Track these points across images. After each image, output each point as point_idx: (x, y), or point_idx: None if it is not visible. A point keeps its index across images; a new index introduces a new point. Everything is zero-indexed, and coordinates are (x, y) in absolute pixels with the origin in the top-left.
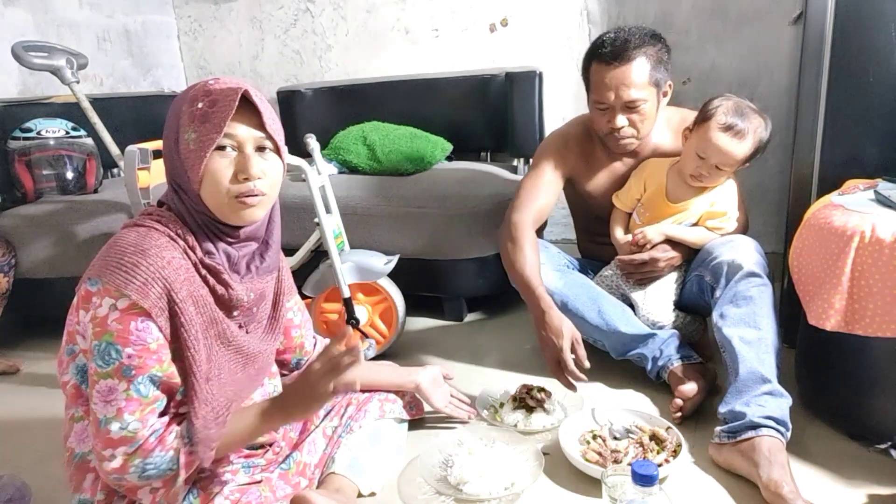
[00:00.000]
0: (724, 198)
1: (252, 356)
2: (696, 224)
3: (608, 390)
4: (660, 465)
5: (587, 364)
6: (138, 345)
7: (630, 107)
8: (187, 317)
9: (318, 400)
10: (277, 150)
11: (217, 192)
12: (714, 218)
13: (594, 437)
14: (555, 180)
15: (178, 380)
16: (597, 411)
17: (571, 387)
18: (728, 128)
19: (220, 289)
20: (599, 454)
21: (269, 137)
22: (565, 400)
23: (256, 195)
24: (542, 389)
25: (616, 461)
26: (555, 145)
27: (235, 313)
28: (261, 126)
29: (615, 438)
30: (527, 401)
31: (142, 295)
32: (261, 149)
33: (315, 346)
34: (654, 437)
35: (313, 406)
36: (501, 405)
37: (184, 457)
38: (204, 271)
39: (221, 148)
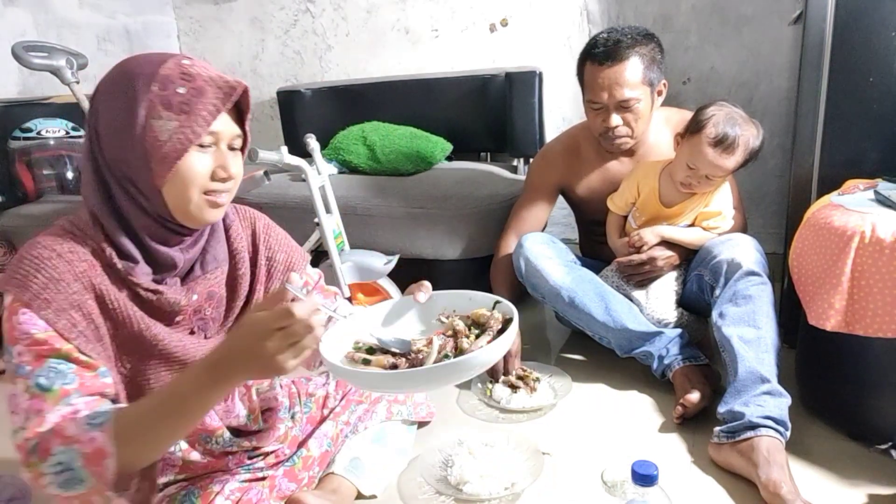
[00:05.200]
0: (717, 197)
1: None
2: (691, 224)
3: (611, 391)
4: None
5: (509, 376)
6: (24, 338)
7: (624, 106)
8: (83, 312)
9: (273, 373)
10: (242, 149)
11: (187, 191)
12: (709, 218)
13: (369, 352)
14: (540, 200)
15: (105, 372)
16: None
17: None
18: (718, 142)
19: (143, 293)
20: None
21: (244, 136)
22: (555, 384)
23: (225, 195)
24: (536, 379)
25: (413, 364)
26: (537, 166)
27: (178, 319)
28: (240, 123)
29: (385, 352)
30: (511, 381)
31: (21, 287)
32: (232, 147)
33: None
34: (474, 323)
35: (265, 376)
36: (495, 382)
37: (85, 445)
38: (116, 272)
39: (200, 143)
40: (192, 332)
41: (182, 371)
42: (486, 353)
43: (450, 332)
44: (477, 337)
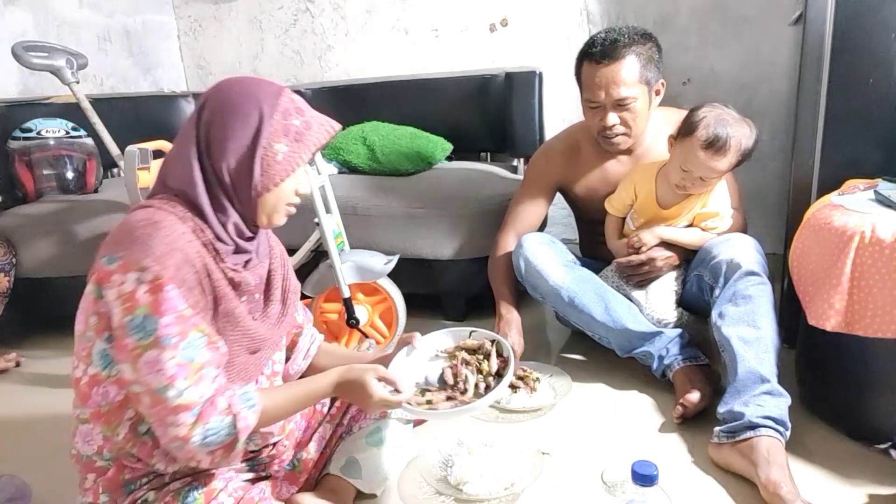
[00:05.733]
0: (714, 198)
1: (258, 341)
2: (690, 225)
3: (611, 391)
4: (500, 371)
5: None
6: (172, 313)
7: (621, 105)
8: (202, 288)
9: (369, 410)
10: None
11: (279, 202)
12: (707, 218)
13: (422, 393)
14: (539, 196)
15: (222, 346)
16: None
17: None
18: (710, 144)
19: (229, 272)
20: (448, 399)
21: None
22: (555, 384)
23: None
24: (536, 379)
25: (464, 391)
26: (536, 162)
27: (243, 299)
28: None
29: (433, 389)
30: (511, 381)
31: (162, 265)
32: None
33: (312, 342)
34: (468, 350)
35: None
36: None
37: (241, 421)
38: (214, 252)
39: None
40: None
41: (314, 378)
42: (511, 374)
43: (460, 361)
44: (486, 358)
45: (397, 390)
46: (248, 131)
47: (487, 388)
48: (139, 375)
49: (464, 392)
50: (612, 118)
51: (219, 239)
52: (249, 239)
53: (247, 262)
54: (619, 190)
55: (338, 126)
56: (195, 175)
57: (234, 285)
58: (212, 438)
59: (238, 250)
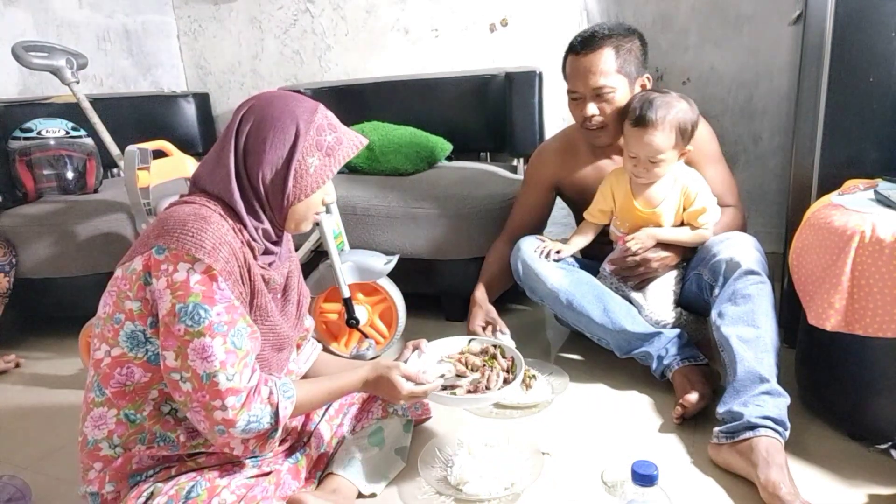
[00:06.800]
0: (695, 192)
1: (282, 338)
2: (681, 224)
3: (610, 391)
4: (509, 368)
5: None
6: (224, 302)
7: (599, 95)
8: (242, 282)
9: (394, 401)
10: None
11: (308, 211)
12: (696, 216)
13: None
14: (537, 197)
15: (260, 337)
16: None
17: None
18: (637, 121)
19: (262, 271)
20: (472, 390)
21: None
22: (553, 380)
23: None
24: (532, 376)
25: (489, 387)
26: (533, 163)
27: (269, 296)
28: None
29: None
30: (507, 377)
31: (213, 258)
32: None
33: (314, 349)
34: (476, 355)
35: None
36: None
37: (281, 411)
38: (250, 249)
39: None
40: None
41: (345, 373)
42: (522, 370)
43: (468, 364)
44: (493, 358)
45: (419, 384)
46: (285, 145)
47: (506, 382)
48: (185, 361)
49: (487, 387)
50: (592, 108)
51: (253, 239)
52: (275, 243)
53: (270, 263)
54: (596, 197)
55: (365, 141)
56: (232, 182)
57: (265, 282)
58: (253, 426)
59: (265, 252)
